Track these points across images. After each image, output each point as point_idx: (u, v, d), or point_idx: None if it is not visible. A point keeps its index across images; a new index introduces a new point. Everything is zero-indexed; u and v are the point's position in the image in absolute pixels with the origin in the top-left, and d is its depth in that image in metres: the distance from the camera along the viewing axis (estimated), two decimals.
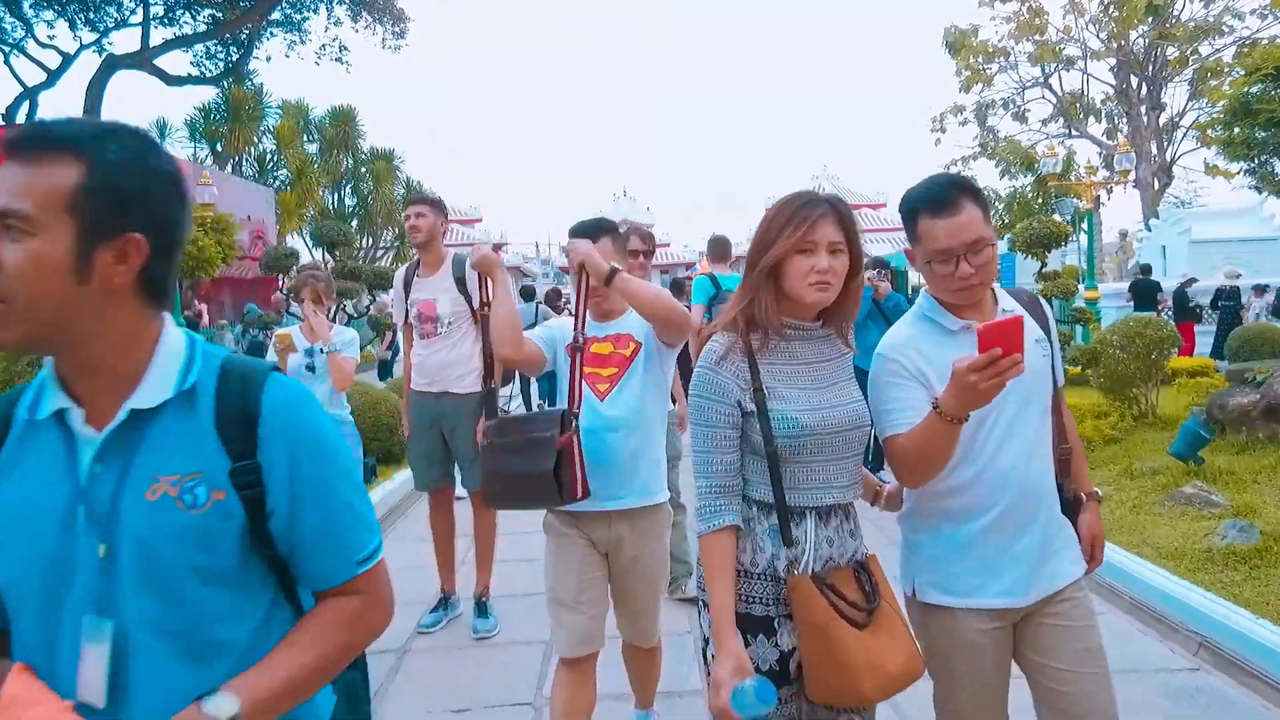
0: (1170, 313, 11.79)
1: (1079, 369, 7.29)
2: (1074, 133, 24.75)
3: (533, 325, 10.89)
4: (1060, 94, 24.79)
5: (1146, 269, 13.59)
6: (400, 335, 4.64)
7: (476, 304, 4.07)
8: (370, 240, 33.02)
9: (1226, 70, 20.34)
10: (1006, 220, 30.45)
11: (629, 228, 4.12)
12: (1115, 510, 5.37)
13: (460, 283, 4.10)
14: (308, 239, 12.00)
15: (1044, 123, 26.99)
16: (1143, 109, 23.12)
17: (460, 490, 4.41)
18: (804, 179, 46.12)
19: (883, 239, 34.77)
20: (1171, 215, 19.01)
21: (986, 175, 30.05)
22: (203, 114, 25.47)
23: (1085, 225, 21.46)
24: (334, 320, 12.10)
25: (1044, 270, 7.37)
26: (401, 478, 7.10)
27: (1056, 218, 26.79)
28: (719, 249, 6.84)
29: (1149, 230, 18.58)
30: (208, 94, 25.65)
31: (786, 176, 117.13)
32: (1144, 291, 12.46)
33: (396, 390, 8.81)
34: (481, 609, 4.24)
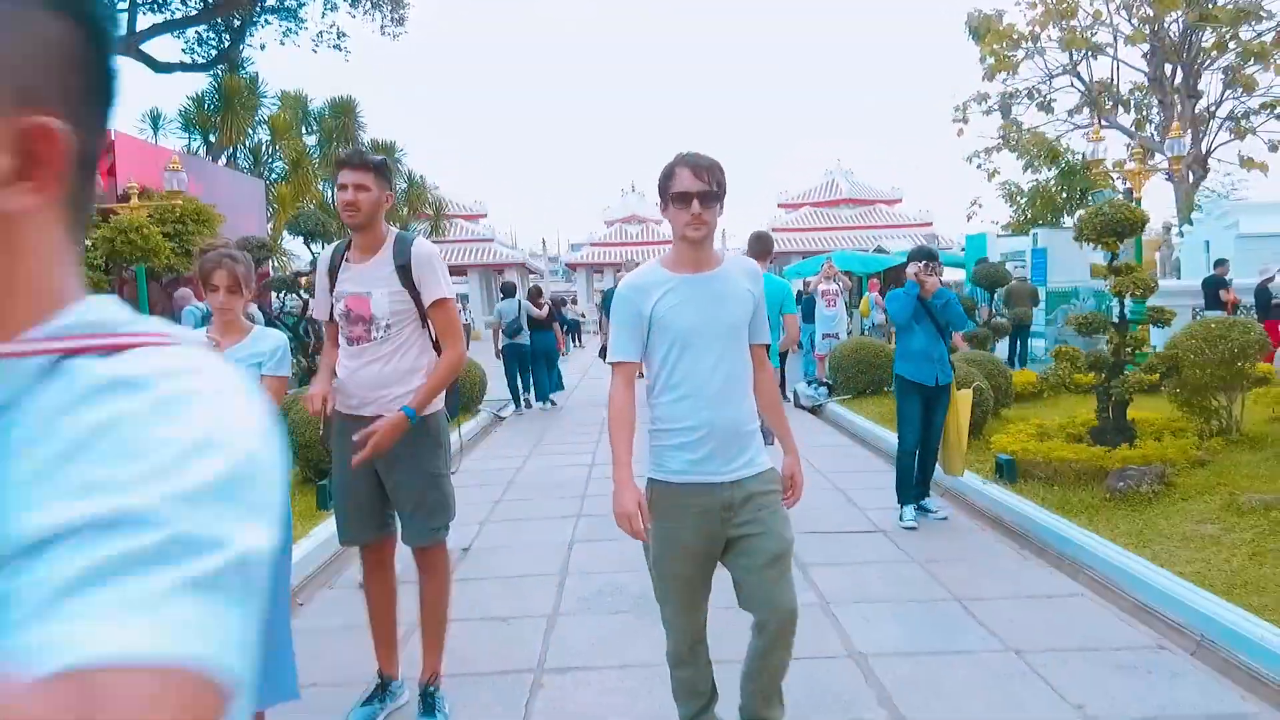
0: (1252, 312, 10.77)
1: (1155, 376, 6.25)
2: (1104, 123, 23.59)
3: (517, 323, 9.91)
4: (1089, 82, 23.65)
5: (1221, 264, 12.48)
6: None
7: (428, 300, 3.11)
8: None
9: (1271, 54, 19.22)
10: (1029, 215, 29.39)
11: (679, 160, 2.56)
12: (1231, 558, 4.33)
13: (404, 272, 3.11)
14: (285, 230, 11.26)
15: (1070, 113, 25.85)
16: (1176, 98, 21.97)
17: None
18: (818, 174, 45.10)
19: (901, 235, 33.68)
20: (1216, 208, 17.91)
21: (1009, 168, 28.89)
22: (195, 103, 24.55)
23: None
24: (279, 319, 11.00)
25: (1115, 264, 6.31)
26: None
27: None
28: (764, 245, 6.09)
29: (1190, 224, 17.48)
30: (201, 83, 24.79)
31: (799, 172, 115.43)
32: (1209, 289, 11.41)
33: None
34: (430, 702, 3.23)
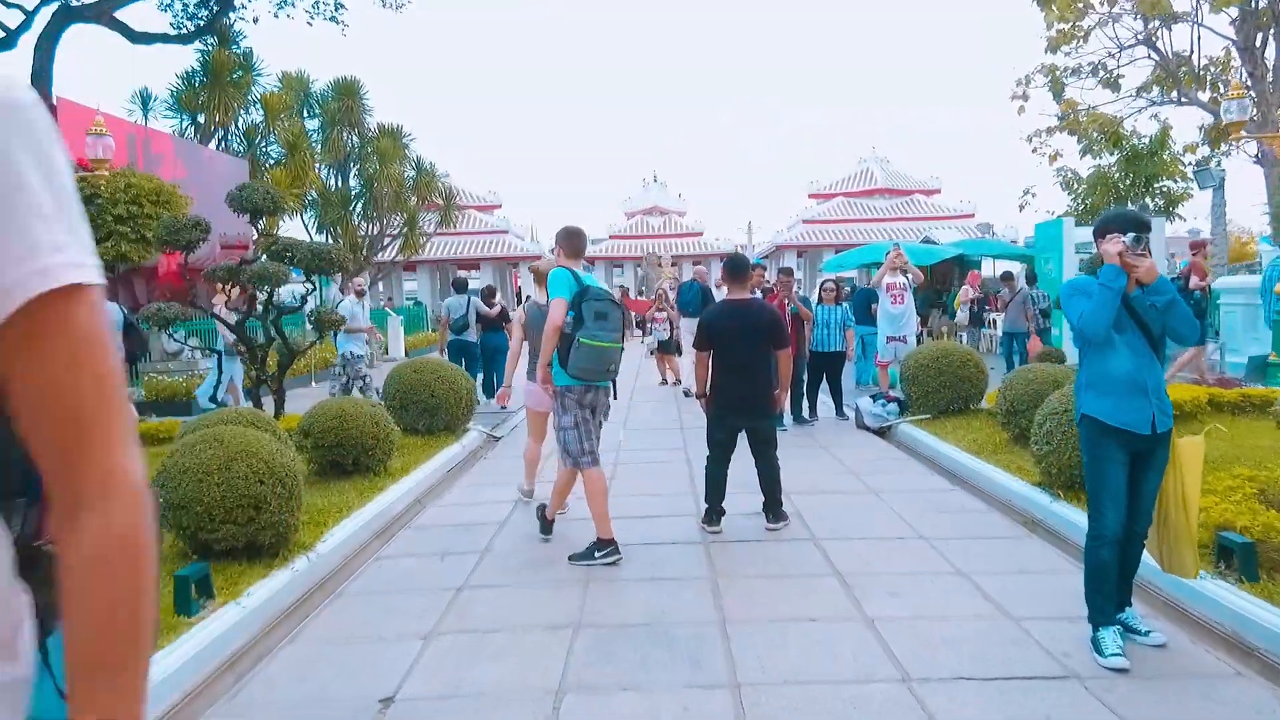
0: None
1: None
2: (1184, 100, 21.15)
3: (463, 320, 7.93)
4: (1168, 54, 21.15)
5: None
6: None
7: (20, 290, 0.82)
8: (378, 227, 30.19)
9: None
10: (1088, 204, 26.89)
11: None
12: None
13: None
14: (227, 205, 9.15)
15: (1138, 91, 23.34)
16: (1269, 74, 19.46)
17: None
18: (850, 161, 42.71)
19: (945, 226, 31.30)
20: None
21: (1071, 152, 26.35)
22: (185, 81, 22.66)
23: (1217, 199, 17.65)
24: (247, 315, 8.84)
25: None
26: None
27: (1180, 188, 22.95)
28: (579, 243, 5.14)
29: None
30: (191, 59, 22.95)
31: (831, 159, 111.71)
32: None
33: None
34: None
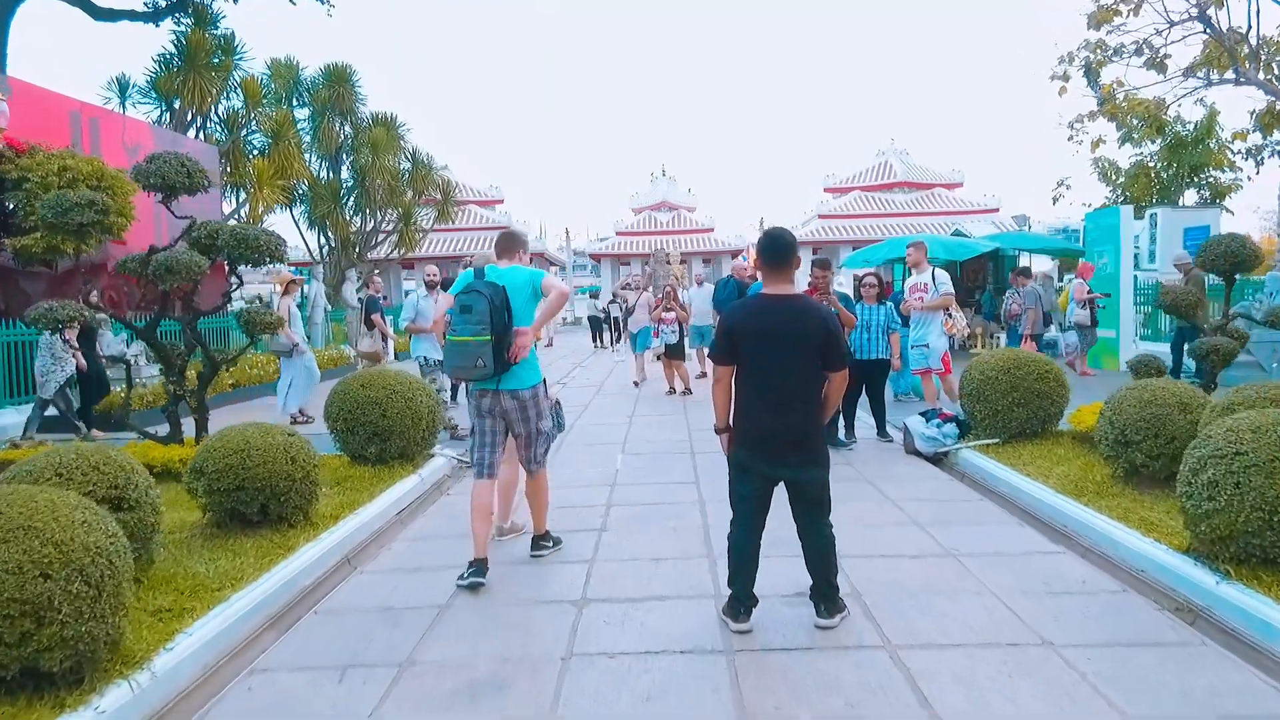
0: None
1: None
2: (1241, 79, 19.37)
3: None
4: (1217, 28, 19.35)
5: None
6: None
7: None
8: (371, 221, 28.71)
9: None
10: (1129, 195, 25.13)
11: None
12: None
13: None
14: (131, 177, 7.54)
15: (1185, 73, 21.55)
16: None
17: None
18: (868, 154, 41.01)
19: (971, 221, 29.57)
20: None
21: (1112, 140, 24.57)
22: (161, 65, 21.15)
23: None
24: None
25: None
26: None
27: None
28: (506, 242, 4.77)
29: None
30: (164, 38, 21.45)
31: (847, 151, 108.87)
32: None
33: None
34: None
